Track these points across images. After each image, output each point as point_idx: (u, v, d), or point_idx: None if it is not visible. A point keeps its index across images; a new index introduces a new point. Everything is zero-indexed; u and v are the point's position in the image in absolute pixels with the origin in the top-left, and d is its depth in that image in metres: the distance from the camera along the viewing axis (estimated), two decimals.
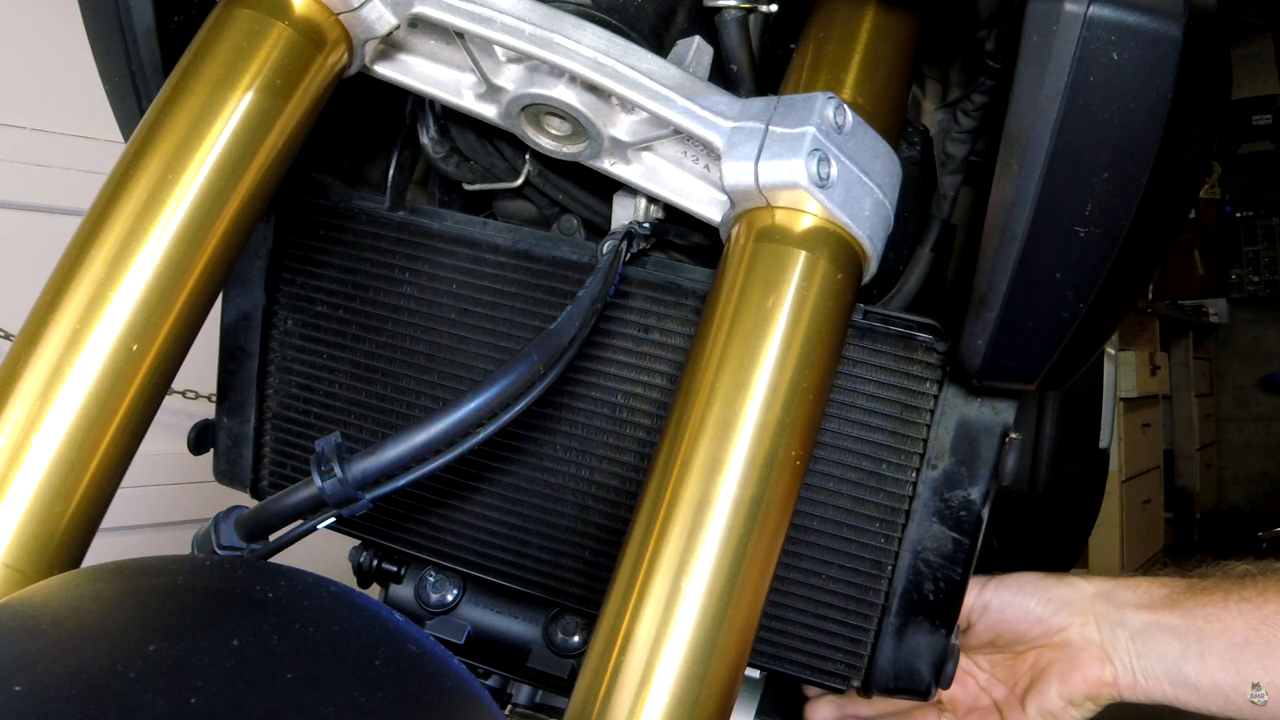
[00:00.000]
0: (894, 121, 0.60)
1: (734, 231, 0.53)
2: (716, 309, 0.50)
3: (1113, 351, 1.15)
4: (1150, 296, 4.03)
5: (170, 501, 1.80)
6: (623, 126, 0.57)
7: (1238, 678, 0.68)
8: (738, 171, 0.50)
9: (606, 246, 0.58)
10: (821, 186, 0.49)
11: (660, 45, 0.60)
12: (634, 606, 0.44)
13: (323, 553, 0.86)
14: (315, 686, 0.33)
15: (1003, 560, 1.08)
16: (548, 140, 0.59)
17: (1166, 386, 4.13)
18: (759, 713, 0.78)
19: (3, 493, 0.42)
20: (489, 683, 0.84)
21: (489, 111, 0.59)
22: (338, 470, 0.47)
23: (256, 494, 0.78)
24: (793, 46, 0.62)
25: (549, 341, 0.52)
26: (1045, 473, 1.00)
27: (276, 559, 0.50)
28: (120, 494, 0.46)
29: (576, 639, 0.77)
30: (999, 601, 0.76)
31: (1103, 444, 1.10)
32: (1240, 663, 0.68)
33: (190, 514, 1.82)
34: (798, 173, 0.49)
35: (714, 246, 0.60)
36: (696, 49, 0.59)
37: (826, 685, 0.67)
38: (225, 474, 0.78)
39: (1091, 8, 0.45)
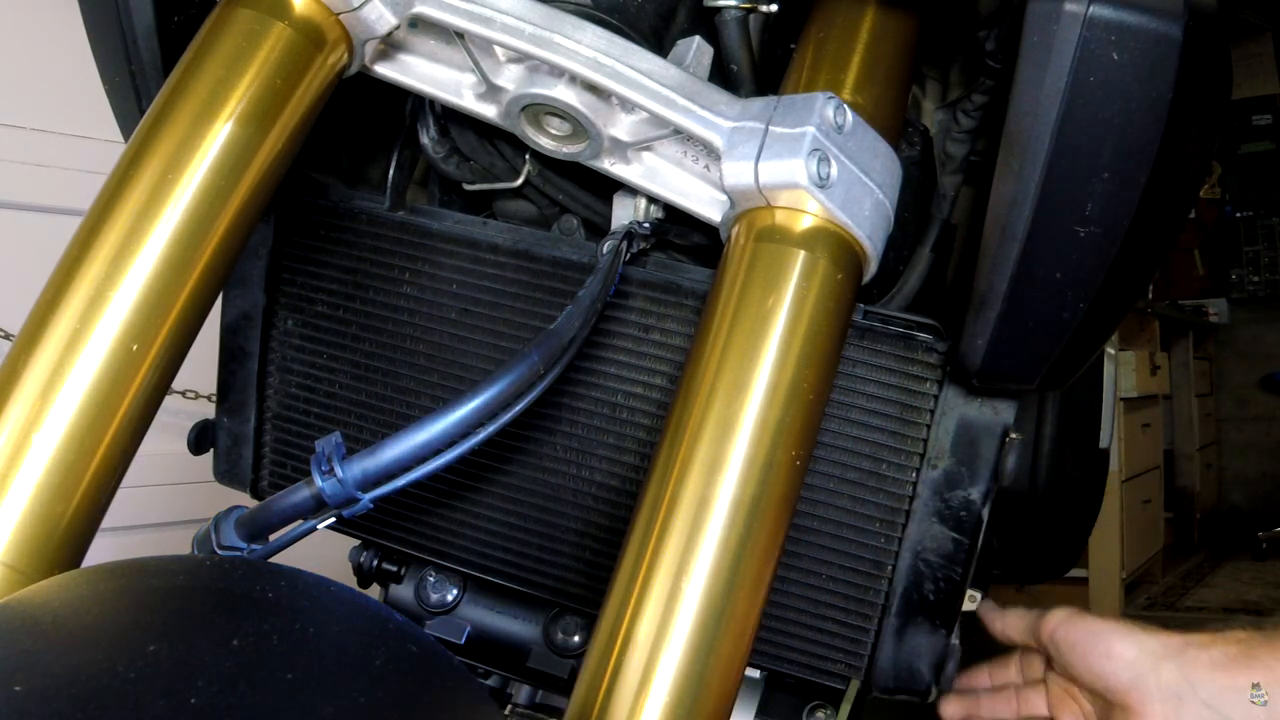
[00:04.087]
0: (894, 121, 0.60)
1: (734, 231, 0.53)
2: (716, 309, 0.50)
3: (1113, 351, 1.15)
4: (1150, 296, 4.02)
5: (170, 501, 1.80)
6: (623, 126, 0.57)
7: None
8: (738, 171, 0.50)
9: (606, 246, 0.58)
10: (821, 186, 0.49)
11: (660, 45, 0.60)
12: (634, 606, 0.44)
13: (322, 553, 0.86)
14: (315, 686, 0.33)
15: (1003, 560, 1.08)
16: (548, 140, 0.59)
17: (1166, 386, 4.12)
18: (759, 712, 0.78)
19: (3, 493, 0.42)
20: (489, 683, 0.84)
21: (489, 111, 0.59)
22: (338, 470, 0.47)
23: (256, 494, 0.78)
24: (793, 46, 0.62)
25: (549, 341, 0.52)
26: (1045, 473, 1.00)
27: (276, 559, 0.50)
28: (120, 494, 0.46)
29: (576, 639, 0.77)
30: (1069, 641, 0.72)
31: (1103, 444, 1.10)
32: None
33: (190, 514, 1.82)
34: (798, 173, 0.49)
35: (714, 246, 0.60)
36: (696, 49, 0.59)
37: (826, 685, 0.67)
38: (225, 474, 0.78)
39: (1091, 8, 0.45)
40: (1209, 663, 0.69)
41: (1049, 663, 0.76)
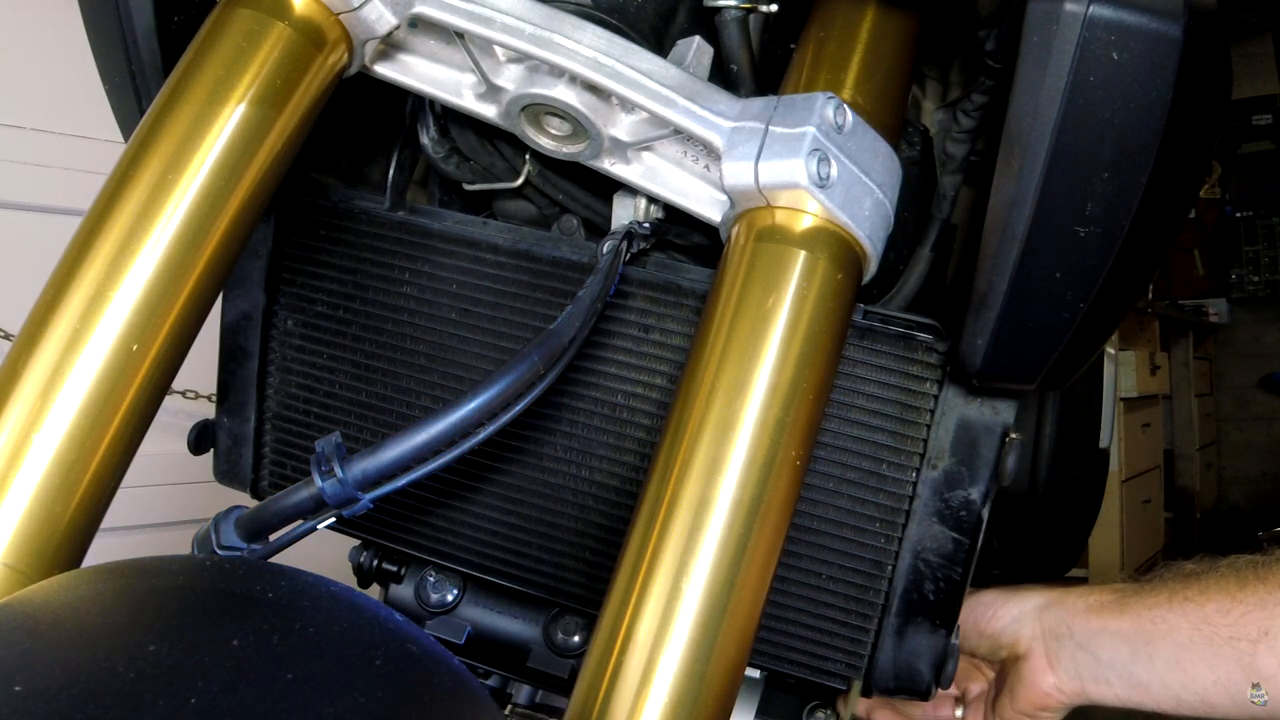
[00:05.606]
0: (894, 121, 0.59)
1: (734, 231, 0.53)
2: (716, 309, 0.50)
3: (1113, 351, 1.15)
4: (1150, 296, 4.02)
5: (170, 501, 1.80)
6: (623, 126, 0.57)
7: (1185, 677, 0.69)
8: (738, 171, 0.50)
9: (606, 246, 0.58)
10: (821, 186, 0.49)
11: (660, 45, 0.60)
12: (634, 606, 0.44)
13: (322, 553, 0.86)
14: (315, 686, 0.33)
15: (1003, 560, 1.08)
16: (548, 140, 0.59)
17: (1166, 386, 4.13)
18: (759, 712, 0.78)
19: (3, 493, 0.42)
20: (489, 683, 0.84)
21: (489, 111, 0.59)
22: (338, 470, 0.47)
23: (256, 494, 0.78)
24: (793, 46, 0.62)
25: (549, 341, 0.52)
26: (1045, 473, 1.00)
27: (276, 559, 0.50)
28: (120, 494, 0.46)
29: (576, 639, 0.77)
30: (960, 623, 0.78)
31: (1103, 444, 1.10)
32: (1186, 663, 0.69)
33: (190, 514, 1.82)
34: (798, 172, 0.49)
35: (714, 246, 0.60)
36: (696, 49, 0.59)
37: (827, 685, 0.67)
38: (225, 474, 0.78)
39: (1091, 8, 0.45)
40: (1085, 608, 0.73)
41: None
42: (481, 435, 0.50)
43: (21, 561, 0.41)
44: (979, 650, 0.79)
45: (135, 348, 0.45)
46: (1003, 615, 0.76)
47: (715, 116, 0.52)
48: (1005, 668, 0.78)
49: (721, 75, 0.61)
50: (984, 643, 0.78)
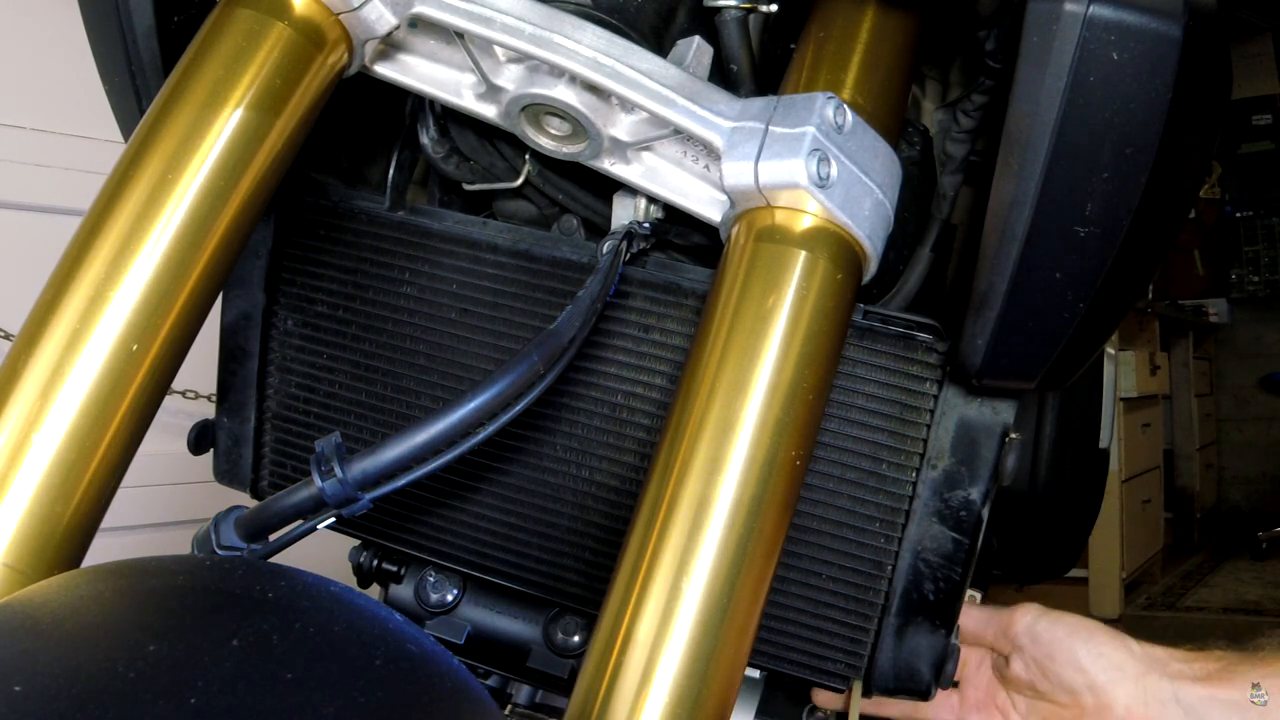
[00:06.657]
0: (894, 121, 0.60)
1: (734, 231, 0.53)
2: (716, 309, 0.50)
3: (1113, 351, 1.15)
4: (1150, 296, 4.03)
5: (170, 501, 1.80)
6: (623, 126, 0.57)
7: None
8: (738, 171, 0.50)
9: (606, 246, 0.58)
10: (821, 186, 0.49)
11: (660, 45, 0.60)
12: (634, 606, 0.44)
13: (322, 553, 0.86)
14: (315, 686, 0.33)
15: (1003, 560, 1.08)
16: (548, 140, 0.59)
17: (1166, 386, 4.13)
18: (759, 712, 0.78)
19: (3, 493, 0.42)
20: (489, 683, 0.84)
21: (489, 111, 0.59)
22: (338, 470, 0.47)
23: (256, 494, 0.78)
24: (793, 46, 0.62)
25: (549, 341, 0.52)
26: (1045, 473, 1.00)
27: (276, 559, 0.50)
28: (120, 494, 0.46)
29: (576, 639, 0.77)
30: (1050, 636, 0.74)
31: (1103, 444, 1.10)
32: None
33: (190, 514, 1.82)
34: (798, 173, 0.49)
35: (714, 246, 0.60)
36: (696, 49, 0.59)
37: (826, 685, 0.67)
38: (225, 474, 0.78)
39: (1091, 8, 0.45)
40: (1192, 675, 0.71)
41: (1005, 661, 0.77)
42: (481, 435, 0.50)
43: (21, 561, 0.41)
44: (1053, 676, 0.73)
45: (135, 348, 0.45)
46: (1105, 656, 0.71)
47: (715, 116, 0.52)
48: (1069, 713, 0.73)
49: (721, 75, 0.61)
50: (1076, 676, 0.72)
